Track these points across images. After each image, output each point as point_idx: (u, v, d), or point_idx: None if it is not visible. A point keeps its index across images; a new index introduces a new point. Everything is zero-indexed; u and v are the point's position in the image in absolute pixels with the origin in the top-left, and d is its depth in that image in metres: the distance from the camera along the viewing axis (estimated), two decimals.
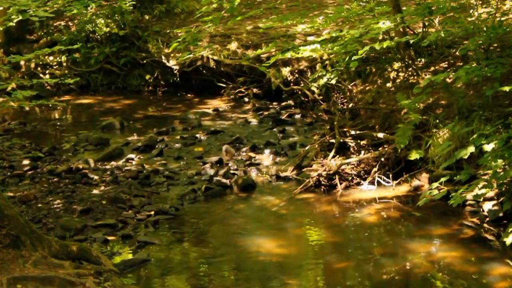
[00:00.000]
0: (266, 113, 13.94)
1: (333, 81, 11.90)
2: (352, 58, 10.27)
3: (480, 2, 10.79)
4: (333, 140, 10.65)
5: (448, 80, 9.99)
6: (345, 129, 10.77)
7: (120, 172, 11.00)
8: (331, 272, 8.16)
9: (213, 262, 8.29)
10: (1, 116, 14.65)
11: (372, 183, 10.13)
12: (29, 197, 9.98)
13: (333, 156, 10.34)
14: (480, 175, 8.64)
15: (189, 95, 15.86)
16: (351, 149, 10.58)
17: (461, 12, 10.18)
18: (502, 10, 10.85)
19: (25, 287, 6.94)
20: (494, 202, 8.88)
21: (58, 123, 14.61)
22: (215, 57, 15.18)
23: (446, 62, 11.03)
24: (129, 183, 10.49)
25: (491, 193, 8.83)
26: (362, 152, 10.46)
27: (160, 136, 12.79)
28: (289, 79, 14.26)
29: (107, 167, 11.27)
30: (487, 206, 8.89)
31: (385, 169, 10.18)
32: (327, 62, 13.29)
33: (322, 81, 12.31)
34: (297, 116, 13.61)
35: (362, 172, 10.28)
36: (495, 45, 10.32)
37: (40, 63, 17.02)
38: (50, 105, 13.55)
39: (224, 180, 10.48)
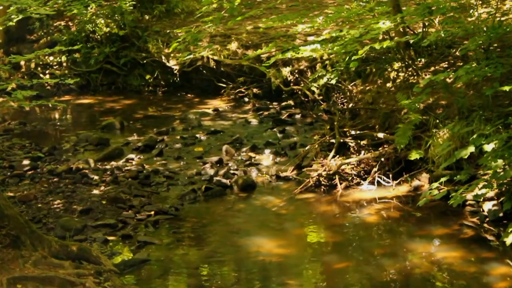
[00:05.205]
0: (266, 113, 13.93)
1: (333, 81, 11.90)
2: (352, 58, 10.27)
3: (480, 2, 10.79)
4: (333, 140, 10.66)
5: (448, 80, 9.99)
6: (345, 129, 10.77)
7: (120, 172, 11.00)
8: (331, 272, 8.16)
9: (213, 262, 8.29)
10: (1, 116, 14.65)
11: (372, 183, 10.13)
12: (29, 197, 9.98)
13: (333, 156, 10.34)
14: (480, 175, 8.64)
15: (189, 95, 15.86)
16: (351, 149, 10.59)
17: (461, 12, 10.18)
18: (502, 10, 10.85)
19: (25, 287, 6.93)
20: (494, 202, 8.88)
21: (58, 123, 14.62)
22: (215, 57, 15.18)
23: (446, 62, 11.03)
24: (129, 183, 10.49)
25: (491, 193, 8.83)
26: (362, 152, 10.47)
27: (160, 136, 12.79)
28: (289, 79, 14.27)
29: (107, 167, 11.27)
30: (487, 206, 8.89)
31: (385, 169, 10.18)
32: (327, 62, 13.29)
33: (322, 81, 12.31)
34: (297, 116, 13.60)
35: (362, 172, 10.29)
36: (495, 45, 10.32)
37: (40, 63, 17.02)
38: (50, 105, 13.54)
39: (224, 180, 10.48)
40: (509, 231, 7.64)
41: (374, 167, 10.20)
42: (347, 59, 11.12)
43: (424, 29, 11.38)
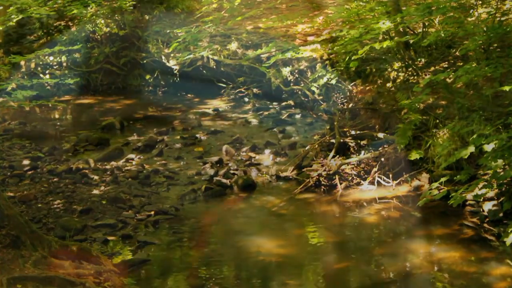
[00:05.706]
0: (266, 113, 13.93)
1: (333, 81, 11.91)
2: (352, 58, 10.28)
3: (480, 2, 10.79)
4: (333, 140, 10.66)
5: (448, 80, 9.99)
6: (345, 129, 10.77)
7: (120, 172, 11.00)
8: (331, 272, 8.16)
9: (213, 262, 8.29)
10: (1, 116, 14.65)
11: (372, 183, 10.13)
12: (29, 197, 9.97)
13: (333, 156, 10.34)
14: (480, 175, 8.63)
15: (189, 95, 15.87)
16: (351, 149, 10.59)
17: (461, 12, 10.18)
18: (502, 10, 10.85)
19: (25, 287, 6.93)
20: (494, 202, 8.87)
21: (58, 123, 14.61)
22: (215, 57, 15.18)
23: (446, 62, 11.03)
24: (129, 183, 10.49)
25: (491, 193, 8.83)
26: (362, 152, 10.47)
27: (160, 136, 12.79)
28: (289, 79, 14.27)
29: (107, 167, 11.27)
30: (487, 206, 8.89)
31: (385, 169, 10.18)
32: (327, 62, 13.30)
33: (322, 81, 12.32)
34: (297, 116, 13.60)
35: (362, 172, 10.28)
36: (495, 45, 10.32)
37: (40, 63, 17.02)
38: (50, 105, 13.55)
39: (224, 180, 10.48)
40: (509, 231, 7.63)
41: (374, 167, 10.20)
42: (347, 59, 11.13)
43: (424, 29, 11.38)
